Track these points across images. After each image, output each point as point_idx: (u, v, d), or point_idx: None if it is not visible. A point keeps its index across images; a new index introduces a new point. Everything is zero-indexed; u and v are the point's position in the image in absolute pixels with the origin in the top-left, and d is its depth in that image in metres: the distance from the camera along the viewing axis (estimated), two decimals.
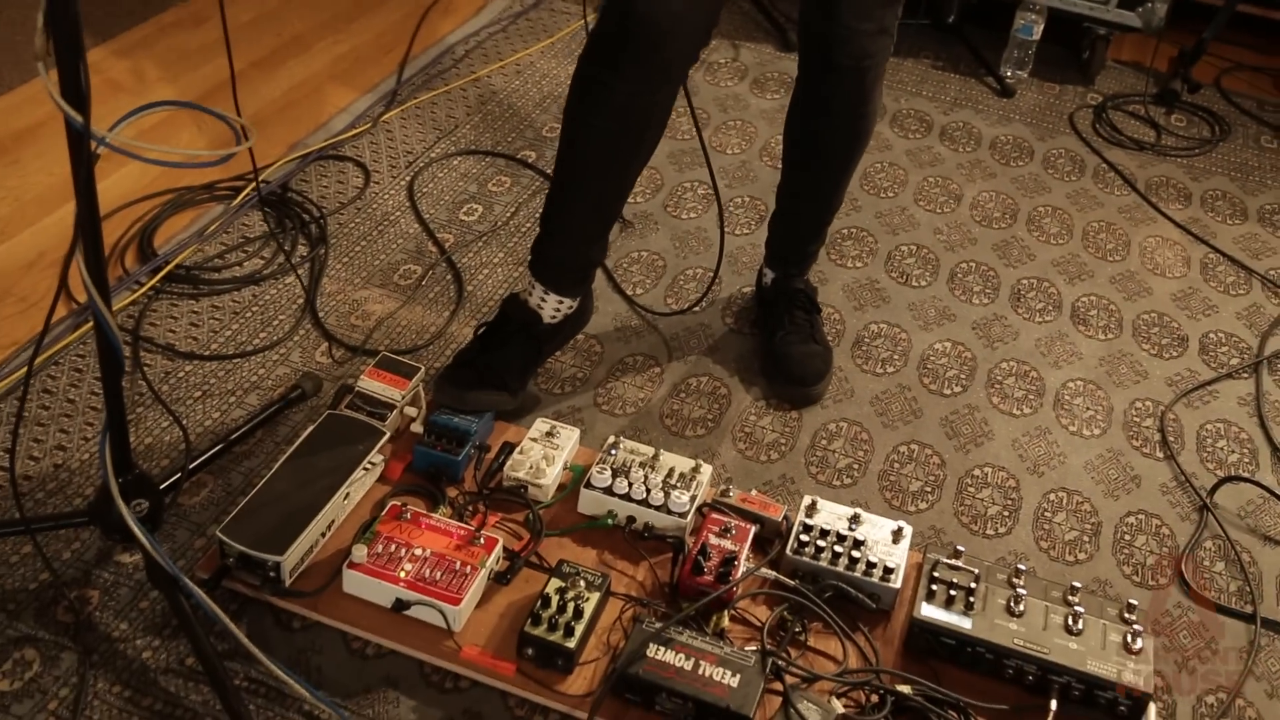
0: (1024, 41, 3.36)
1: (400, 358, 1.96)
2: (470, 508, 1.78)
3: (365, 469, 1.76)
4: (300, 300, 2.21)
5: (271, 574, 1.60)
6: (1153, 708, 1.60)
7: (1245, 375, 2.35)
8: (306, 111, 2.80)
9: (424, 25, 3.25)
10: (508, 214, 2.53)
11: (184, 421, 1.93)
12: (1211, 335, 2.45)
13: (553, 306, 1.98)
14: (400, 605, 1.59)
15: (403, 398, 1.88)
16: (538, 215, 2.45)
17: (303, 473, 1.71)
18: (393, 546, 1.63)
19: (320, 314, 2.18)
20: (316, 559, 1.67)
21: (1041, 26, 3.34)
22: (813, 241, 2.24)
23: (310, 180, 2.55)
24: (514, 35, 3.27)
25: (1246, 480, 2.08)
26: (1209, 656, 1.77)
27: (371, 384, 1.89)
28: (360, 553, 1.60)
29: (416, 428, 1.88)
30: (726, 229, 2.55)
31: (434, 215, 2.50)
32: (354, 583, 1.61)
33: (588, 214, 1.93)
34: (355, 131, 2.72)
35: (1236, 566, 1.92)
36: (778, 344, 2.15)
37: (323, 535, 1.69)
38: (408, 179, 2.59)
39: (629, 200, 2.51)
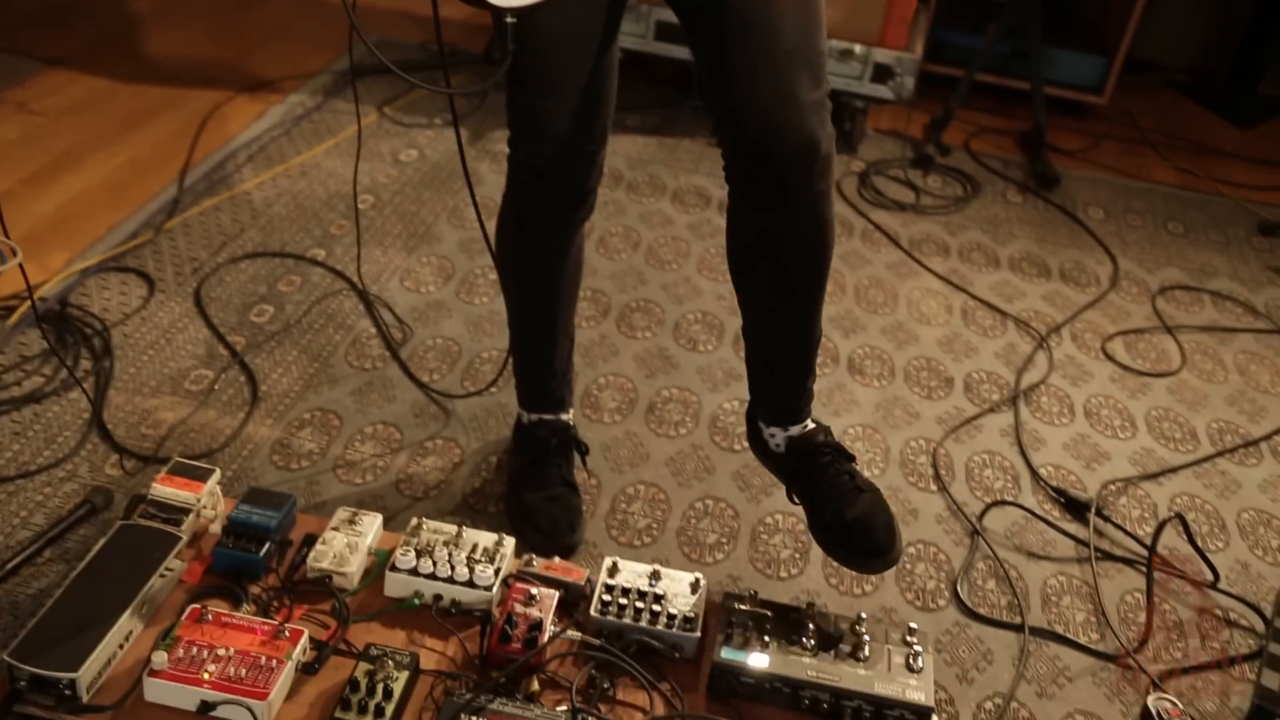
0: None
1: (194, 462, 1.97)
2: (275, 603, 1.79)
3: (162, 575, 1.75)
4: (86, 415, 2.19)
5: (67, 692, 1.58)
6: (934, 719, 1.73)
7: (1005, 409, 2.56)
8: (83, 225, 2.78)
9: (204, 132, 3.27)
10: (300, 312, 2.56)
11: None
12: (974, 375, 2.66)
13: (570, 415, 2.19)
14: (206, 707, 1.59)
15: (199, 501, 1.89)
16: (328, 311, 2.50)
17: (96, 587, 1.69)
18: (194, 649, 1.63)
19: (108, 426, 2.17)
20: (115, 672, 1.66)
21: None
22: (811, 374, 1.94)
23: (91, 294, 2.53)
24: (297, 138, 3.32)
25: (1010, 504, 2.27)
26: (985, 667, 1.92)
27: (164, 490, 1.89)
28: (160, 659, 1.60)
29: (216, 529, 1.89)
30: None
31: (223, 319, 2.51)
32: (156, 691, 1.60)
33: (566, 332, 2.10)
34: (137, 242, 2.72)
35: (1006, 583, 2.09)
36: (832, 518, 1.84)
37: (120, 647, 1.67)
38: (194, 285, 2.60)
39: (418, 291, 2.60)
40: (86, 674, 1.59)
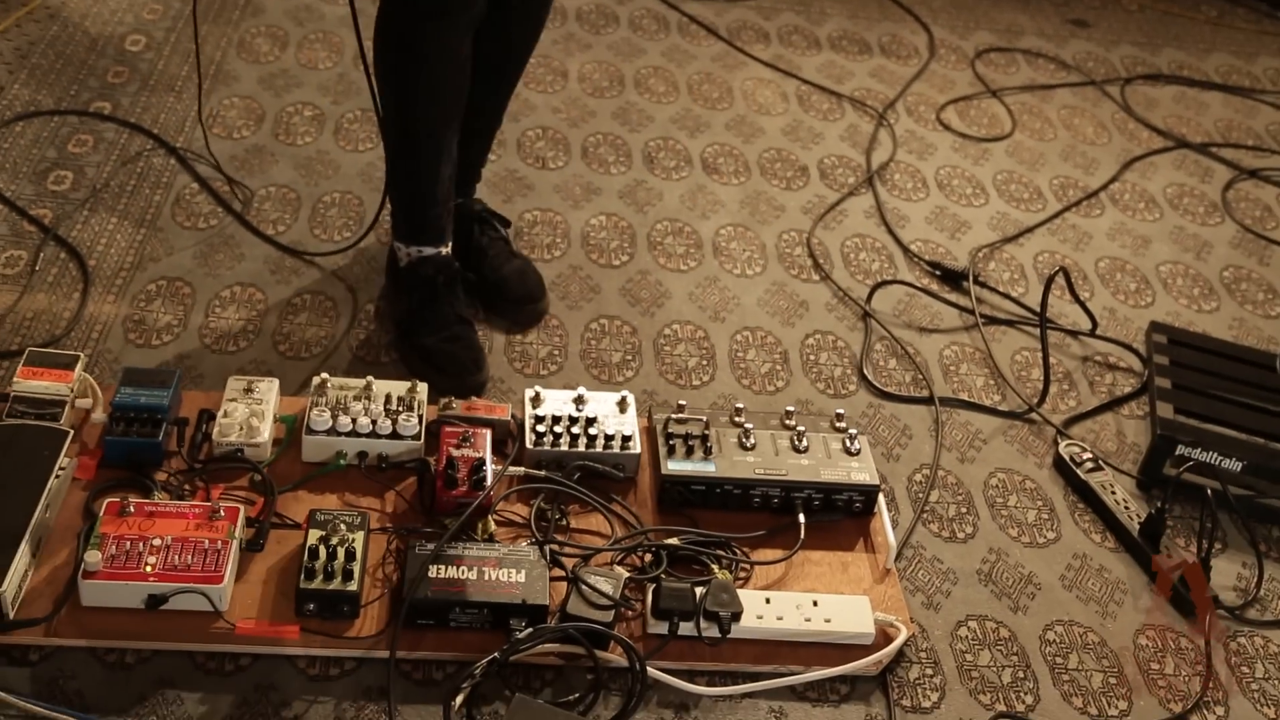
0: None
1: (50, 350, 1.87)
2: (187, 486, 1.76)
3: (57, 475, 1.68)
4: None
5: None
6: (881, 498, 1.88)
7: (864, 190, 2.70)
8: None
9: None
10: (104, 174, 2.41)
11: None
12: (826, 160, 2.78)
13: (449, 249, 2.13)
14: (155, 601, 1.56)
15: (71, 390, 1.80)
16: (137, 170, 2.37)
17: None
18: (127, 544, 1.59)
19: None
20: (34, 583, 1.60)
21: None
22: (487, 154, 2.35)
23: None
24: None
25: (893, 282, 2.42)
26: (906, 442, 2.09)
27: (29, 384, 1.79)
28: (94, 558, 1.55)
29: (98, 418, 1.82)
30: (349, 147, 2.57)
31: (18, 192, 2.33)
32: (95, 593, 1.56)
33: (450, 156, 2.04)
34: None
35: (906, 359, 2.25)
36: (489, 272, 2.22)
37: (33, 556, 1.61)
38: None
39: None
40: (9, 589, 1.53)
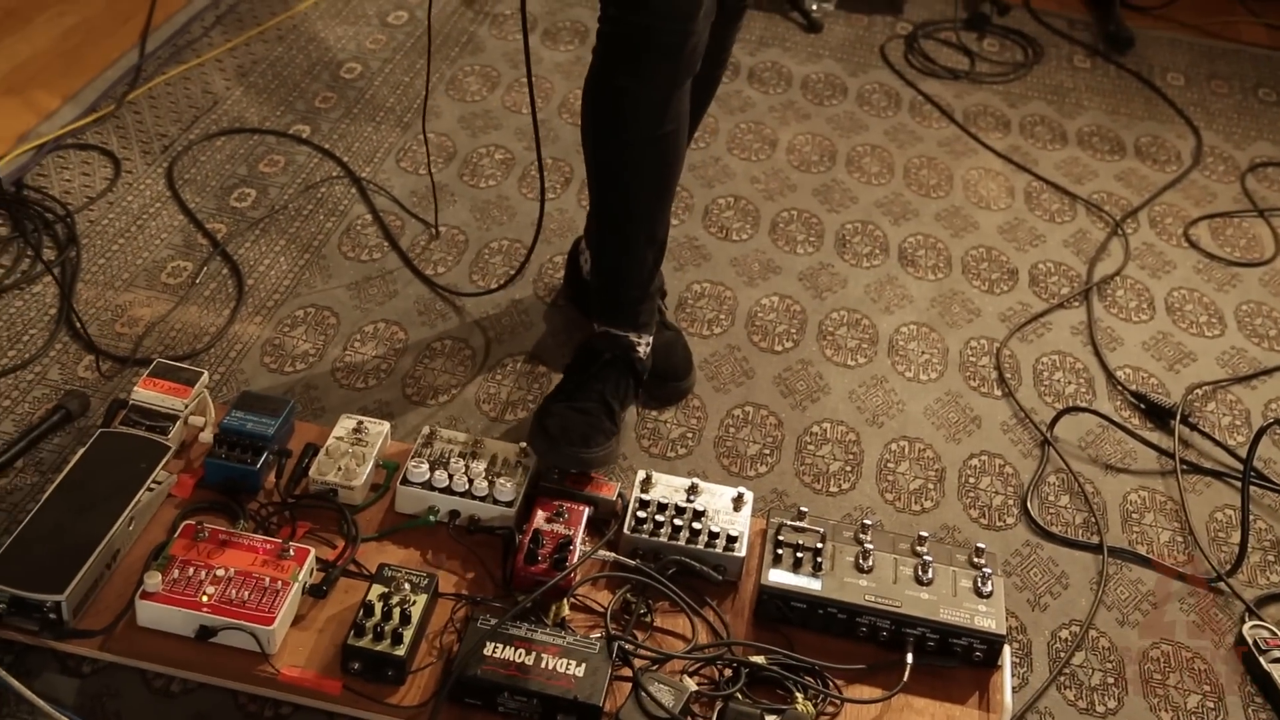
0: None
1: (178, 364, 1.96)
2: (275, 519, 1.80)
3: (150, 489, 1.75)
4: (53, 310, 2.17)
5: (51, 615, 1.59)
6: (1007, 650, 1.74)
7: (1076, 304, 2.54)
8: (35, 96, 2.72)
9: None
10: (285, 197, 2.53)
11: None
12: (1041, 266, 2.64)
13: (645, 344, 2.06)
14: (205, 633, 1.60)
15: (186, 407, 1.88)
16: (317, 195, 2.47)
17: (77, 501, 1.69)
18: (190, 570, 1.63)
19: (78, 324, 2.15)
20: (102, 594, 1.66)
21: None
22: None
23: (49, 174, 2.49)
24: None
25: (1085, 410, 2.26)
26: (1060, 591, 1.93)
27: (147, 395, 1.88)
28: (154, 581, 1.61)
29: (206, 437, 1.89)
30: (530, 194, 2.62)
31: (200, 204, 2.47)
32: (150, 614, 1.61)
33: (652, 237, 2.01)
34: (97, 115, 2.67)
35: (1081, 498, 2.09)
36: None
37: (108, 567, 1.68)
38: (165, 165, 2.56)
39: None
40: (73, 596, 1.59)
